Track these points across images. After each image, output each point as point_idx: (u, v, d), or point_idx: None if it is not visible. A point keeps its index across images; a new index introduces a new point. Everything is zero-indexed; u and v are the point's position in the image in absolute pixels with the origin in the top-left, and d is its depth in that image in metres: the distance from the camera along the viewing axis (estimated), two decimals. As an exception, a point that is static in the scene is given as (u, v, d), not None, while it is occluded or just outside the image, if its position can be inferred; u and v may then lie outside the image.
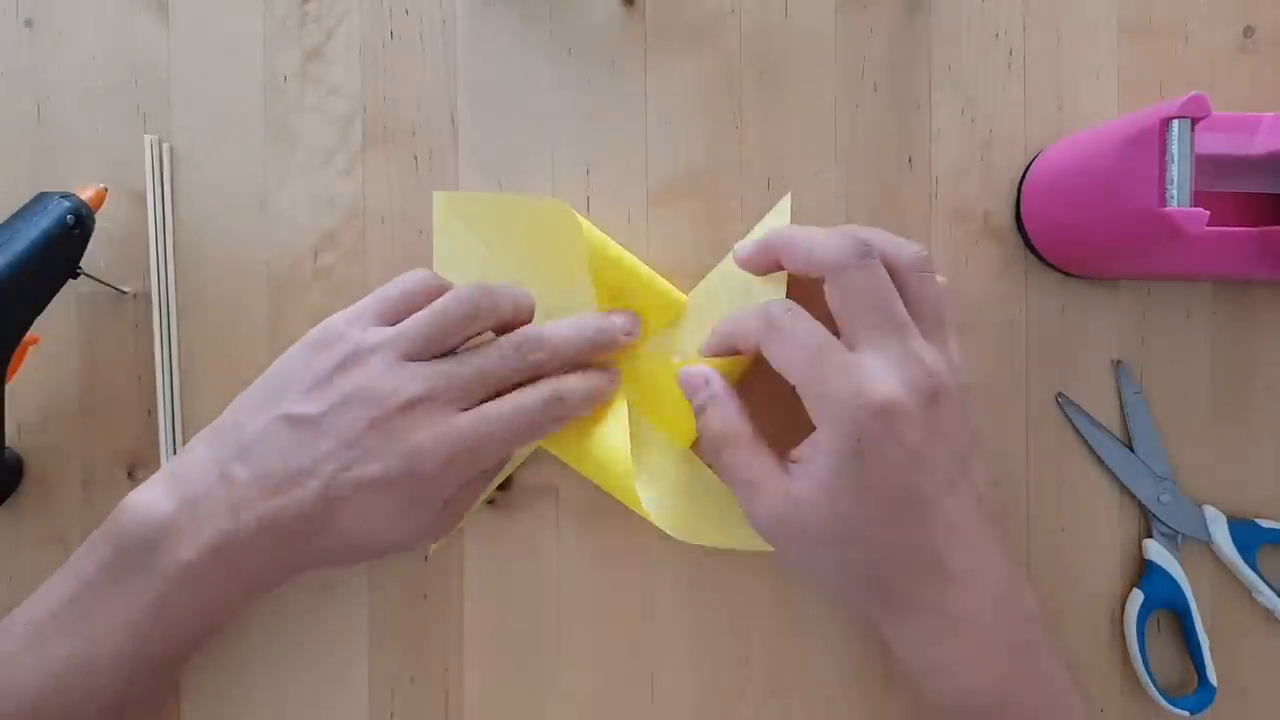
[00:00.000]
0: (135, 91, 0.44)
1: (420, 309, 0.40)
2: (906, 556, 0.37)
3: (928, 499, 0.36)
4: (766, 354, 0.38)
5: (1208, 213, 0.33)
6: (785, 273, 0.41)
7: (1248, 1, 0.44)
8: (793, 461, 0.38)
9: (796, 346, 0.37)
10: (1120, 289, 0.44)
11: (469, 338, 0.40)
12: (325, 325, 0.40)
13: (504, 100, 0.44)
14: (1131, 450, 0.44)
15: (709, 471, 0.43)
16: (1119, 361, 0.44)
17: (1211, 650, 0.42)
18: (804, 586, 0.44)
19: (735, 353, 0.41)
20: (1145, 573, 0.43)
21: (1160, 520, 0.43)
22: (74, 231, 0.40)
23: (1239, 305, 0.44)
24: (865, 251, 0.37)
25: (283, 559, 0.38)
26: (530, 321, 0.41)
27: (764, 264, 0.40)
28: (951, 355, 0.38)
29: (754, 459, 0.38)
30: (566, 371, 0.41)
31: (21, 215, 0.39)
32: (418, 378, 0.38)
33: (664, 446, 0.43)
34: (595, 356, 0.42)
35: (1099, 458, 0.44)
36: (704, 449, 0.40)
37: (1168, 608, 0.43)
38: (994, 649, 0.37)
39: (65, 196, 0.40)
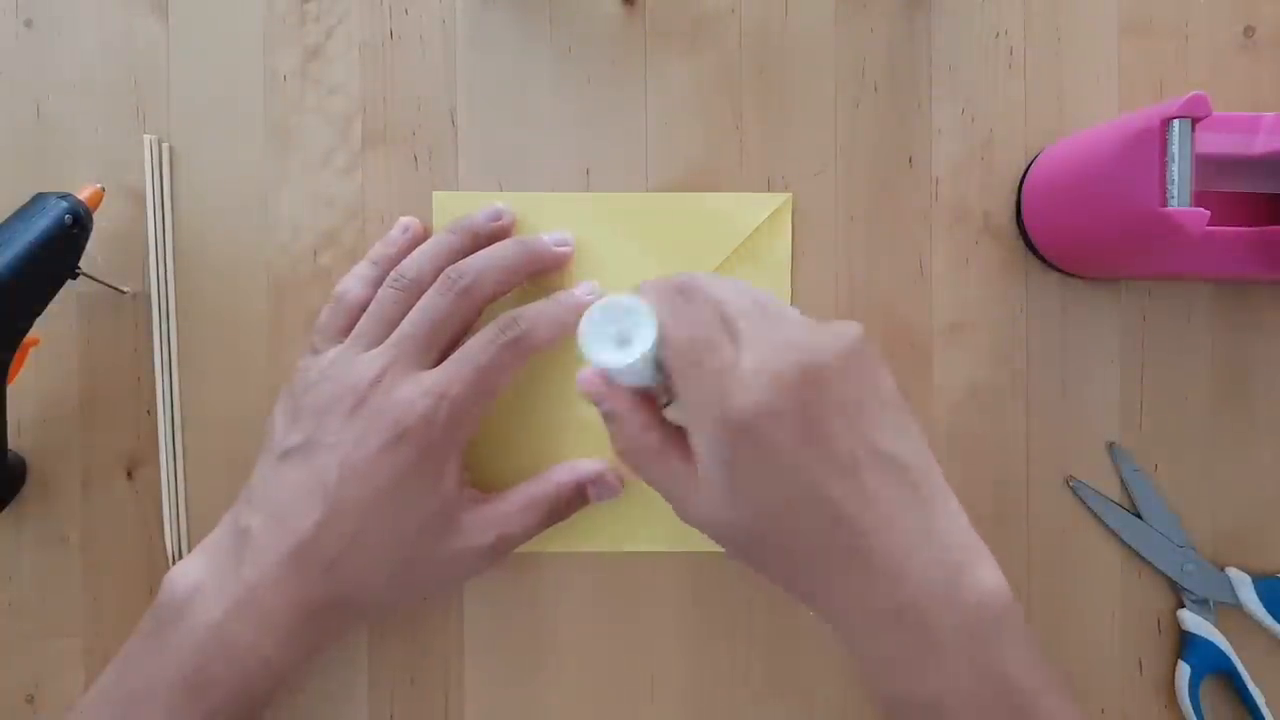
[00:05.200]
0: (135, 91, 0.44)
1: (360, 315, 0.41)
2: (820, 554, 0.33)
3: (824, 492, 0.32)
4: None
5: (1208, 213, 0.33)
6: (787, 273, 0.41)
7: (1248, 1, 0.44)
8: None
9: (682, 331, 0.34)
10: (1120, 289, 0.44)
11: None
12: (293, 373, 0.41)
13: (504, 100, 0.44)
14: (1145, 522, 0.44)
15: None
16: (1112, 444, 0.44)
17: (1268, 705, 0.42)
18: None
19: None
20: (1186, 644, 0.43)
21: (1188, 590, 0.43)
22: (72, 231, 0.39)
23: (1239, 305, 0.44)
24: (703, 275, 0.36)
25: (314, 596, 0.38)
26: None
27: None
28: (834, 328, 0.34)
29: (661, 471, 0.36)
30: None
31: (19, 216, 0.39)
32: (375, 357, 0.39)
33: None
34: (531, 269, 0.42)
35: (1118, 536, 0.44)
36: (618, 455, 0.37)
37: (1216, 673, 0.43)
38: (944, 648, 0.33)
39: (63, 197, 0.40)
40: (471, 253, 0.42)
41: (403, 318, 0.40)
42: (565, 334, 0.41)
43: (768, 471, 0.33)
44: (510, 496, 0.41)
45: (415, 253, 0.42)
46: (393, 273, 0.41)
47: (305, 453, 0.39)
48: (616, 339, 0.35)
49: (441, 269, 0.41)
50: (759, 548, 0.35)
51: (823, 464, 0.33)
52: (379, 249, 0.43)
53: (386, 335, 0.40)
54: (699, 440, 0.34)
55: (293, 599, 0.38)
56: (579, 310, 0.37)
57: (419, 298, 0.40)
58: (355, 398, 0.38)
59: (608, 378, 0.36)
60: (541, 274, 0.43)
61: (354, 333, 0.40)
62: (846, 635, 0.35)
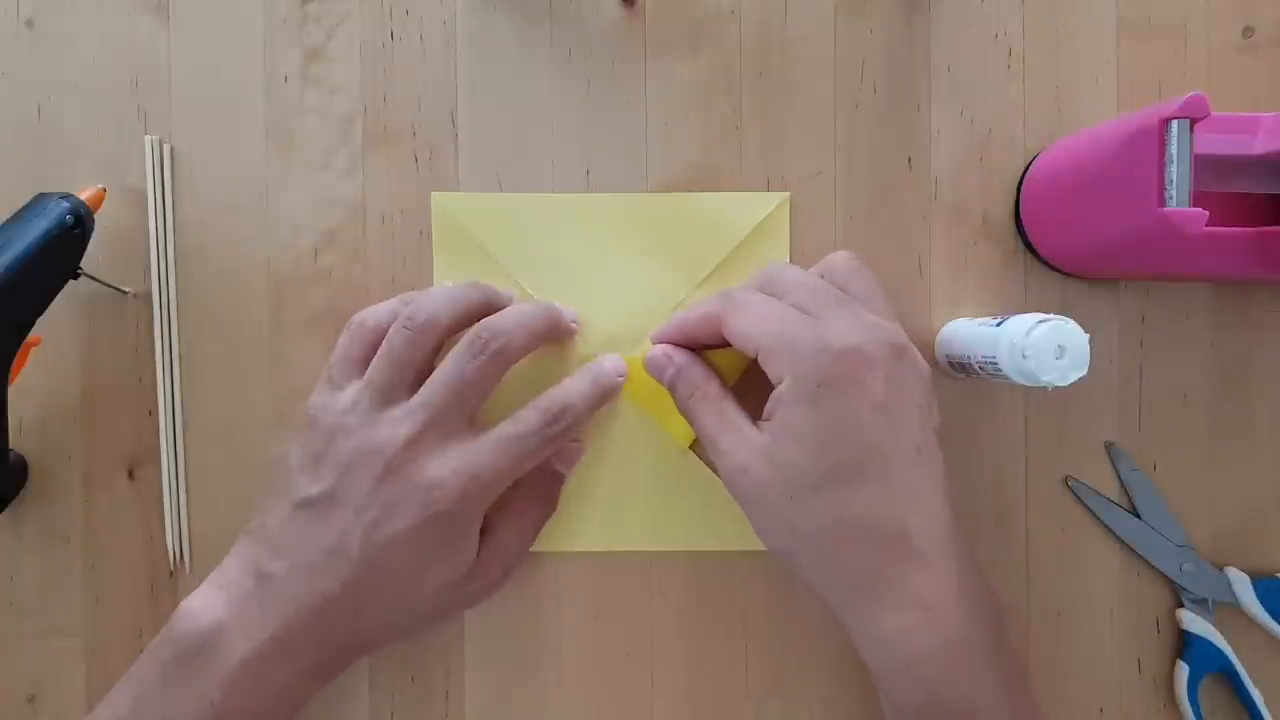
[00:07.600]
0: (135, 91, 0.44)
1: (379, 343, 0.40)
2: (868, 519, 0.35)
3: (891, 459, 0.35)
4: (727, 330, 0.38)
5: (1206, 213, 0.33)
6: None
7: (1247, 1, 0.44)
8: (765, 420, 0.37)
9: (757, 315, 0.37)
10: (1120, 289, 0.44)
11: (435, 353, 0.40)
12: (307, 406, 0.40)
13: (504, 100, 0.45)
14: (1144, 522, 0.44)
15: (707, 472, 0.43)
16: (1111, 443, 0.44)
17: (1267, 705, 0.42)
18: (803, 587, 0.44)
19: (693, 340, 0.41)
20: (1185, 644, 0.43)
21: (1187, 590, 0.43)
22: (74, 232, 0.40)
23: (1239, 305, 0.44)
24: (783, 264, 0.40)
25: (340, 640, 0.39)
26: (489, 301, 0.41)
27: (700, 330, 0.40)
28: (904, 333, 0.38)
29: (721, 410, 0.39)
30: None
31: (20, 216, 0.39)
32: (404, 419, 0.38)
33: (663, 452, 0.44)
34: (553, 336, 0.42)
35: (1116, 535, 0.44)
36: (682, 413, 0.41)
37: (1215, 673, 0.43)
38: (966, 657, 0.35)
39: (64, 197, 0.40)
40: (485, 311, 0.41)
41: (416, 362, 0.39)
42: (602, 404, 0.42)
43: (850, 412, 0.35)
44: (514, 527, 0.42)
45: (431, 296, 0.40)
46: (405, 312, 0.39)
47: (328, 507, 0.38)
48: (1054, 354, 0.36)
49: (456, 317, 0.40)
50: (803, 500, 0.36)
51: (895, 430, 0.35)
52: (414, 293, 0.42)
53: (402, 380, 0.39)
54: (788, 381, 0.36)
55: (320, 643, 0.38)
56: (608, 376, 0.41)
57: (432, 340, 0.39)
58: (384, 465, 0.37)
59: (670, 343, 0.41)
60: (557, 340, 0.43)
61: (368, 375, 0.39)
62: (866, 628, 0.36)
